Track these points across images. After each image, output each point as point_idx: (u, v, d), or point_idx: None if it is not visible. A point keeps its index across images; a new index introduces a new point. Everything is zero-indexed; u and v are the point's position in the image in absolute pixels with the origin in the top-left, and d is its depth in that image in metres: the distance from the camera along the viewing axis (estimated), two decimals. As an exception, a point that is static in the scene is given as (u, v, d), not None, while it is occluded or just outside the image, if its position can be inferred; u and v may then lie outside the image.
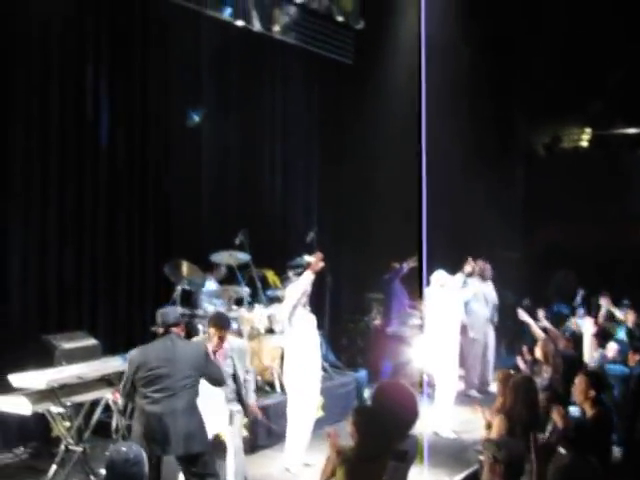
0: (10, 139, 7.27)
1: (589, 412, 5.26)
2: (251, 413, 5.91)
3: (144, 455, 3.67)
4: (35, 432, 6.66)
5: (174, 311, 5.37)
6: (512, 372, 6.19)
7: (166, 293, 8.08)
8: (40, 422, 6.32)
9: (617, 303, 9.75)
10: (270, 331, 8.26)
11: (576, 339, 8.36)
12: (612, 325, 9.17)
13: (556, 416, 4.88)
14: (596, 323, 9.06)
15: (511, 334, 11.20)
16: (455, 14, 10.59)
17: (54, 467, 5.97)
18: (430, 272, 7.99)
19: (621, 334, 8.72)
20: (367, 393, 8.68)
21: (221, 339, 5.59)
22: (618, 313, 9.37)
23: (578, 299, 11.00)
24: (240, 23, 9.37)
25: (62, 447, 5.99)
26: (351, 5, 10.84)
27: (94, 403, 6.22)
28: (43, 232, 7.56)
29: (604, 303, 9.58)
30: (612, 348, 8.06)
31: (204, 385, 5.25)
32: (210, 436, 5.43)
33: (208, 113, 9.27)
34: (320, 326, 8.02)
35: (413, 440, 4.10)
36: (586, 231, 12.58)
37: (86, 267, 7.95)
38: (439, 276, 8.22)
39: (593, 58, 12.01)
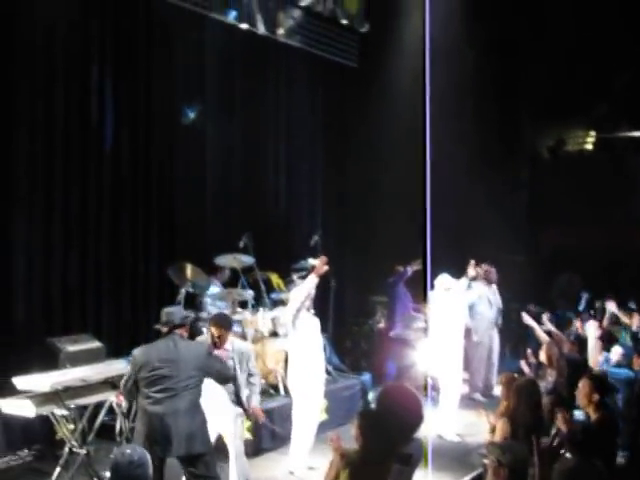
0: (15, 142, 7.29)
1: (593, 416, 5.24)
2: (253, 415, 5.90)
3: (148, 457, 3.67)
4: (39, 434, 6.67)
5: (180, 311, 5.35)
6: (516, 375, 6.18)
7: (170, 296, 8.09)
8: (44, 424, 6.32)
9: (622, 306, 9.72)
10: (274, 334, 8.26)
11: (581, 342, 8.33)
12: (617, 329, 9.14)
13: (560, 421, 4.87)
14: (601, 326, 9.03)
15: (515, 337, 11.18)
16: (460, 17, 10.60)
17: (58, 469, 5.97)
18: (434, 275, 7.98)
19: (626, 338, 8.69)
20: (371, 396, 8.67)
21: (220, 338, 5.60)
22: (623, 317, 9.34)
23: (582, 302, 10.98)
24: (244, 26, 9.38)
25: (66, 449, 5.99)
26: (355, 8, 10.85)
27: (98, 406, 6.22)
28: (47, 235, 7.57)
29: (609, 307, 9.56)
30: (617, 352, 8.04)
31: (207, 387, 5.25)
32: (212, 439, 5.43)
33: (206, 112, 9.28)
34: (324, 329, 8.02)
35: (418, 443, 4.09)
36: (590, 234, 12.56)
37: (90, 270, 7.96)
38: (443, 280, 8.21)
39: (598, 61, 12.00)
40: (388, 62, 11.21)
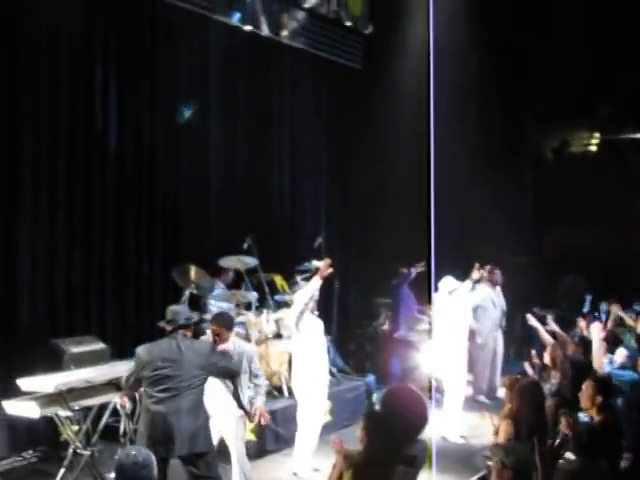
0: (19, 142, 7.29)
1: (596, 418, 5.24)
2: (257, 416, 5.89)
3: (153, 459, 3.67)
4: (44, 436, 6.68)
5: (185, 311, 5.33)
6: (519, 377, 6.17)
7: (174, 297, 8.08)
8: (49, 426, 6.33)
9: (626, 308, 9.71)
10: (278, 336, 8.26)
11: (585, 344, 8.33)
12: (622, 330, 9.13)
13: (564, 425, 4.86)
14: (605, 328, 9.02)
15: (520, 339, 11.17)
16: (463, 18, 10.60)
17: (62, 470, 5.98)
18: (438, 277, 7.97)
19: (630, 340, 8.68)
20: (375, 398, 8.67)
21: (220, 336, 5.61)
22: (628, 319, 9.33)
23: (587, 304, 10.97)
24: (248, 28, 9.39)
25: (70, 451, 6.00)
26: (359, 10, 10.85)
27: (102, 407, 6.22)
28: (52, 236, 7.58)
29: (614, 309, 9.55)
30: (621, 354, 8.04)
31: (208, 389, 5.26)
32: (215, 441, 5.44)
33: (210, 114, 9.28)
34: (328, 331, 8.02)
35: (422, 445, 4.09)
36: (595, 236, 12.54)
37: (95, 271, 7.97)
38: (447, 282, 8.21)
39: (602, 62, 11.99)
40: (392, 64, 11.21)
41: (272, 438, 7.39)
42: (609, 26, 11.64)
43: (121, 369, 6.20)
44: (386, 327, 10.75)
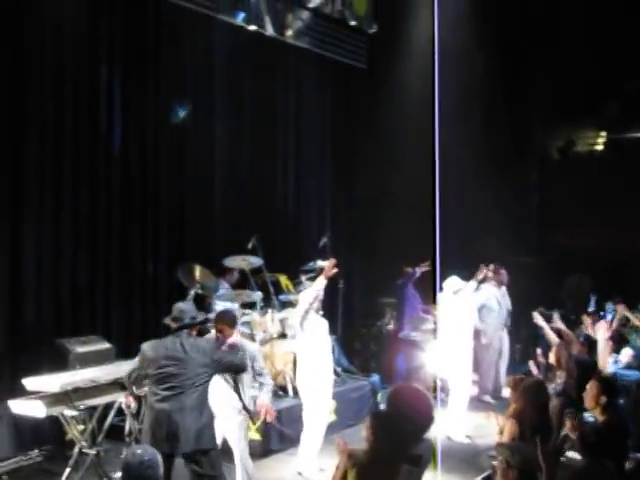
0: (24, 142, 7.31)
1: (600, 418, 5.23)
2: (260, 413, 5.89)
3: (159, 458, 3.68)
4: (49, 435, 6.70)
5: (191, 310, 5.33)
6: (523, 377, 6.16)
7: (179, 297, 8.07)
8: (54, 425, 6.35)
9: (632, 309, 9.69)
10: (283, 335, 8.26)
11: (590, 344, 8.31)
12: (627, 330, 9.12)
13: (569, 428, 4.85)
14: (610, 328, 9.00)
15: (525, 339, 11.16)
16: (468, 18, 10.58)
17: (68, 470, 5.99)
18: (443, 277, 7.97)
19: (636, 340, 8.67)
20: (380, 397, 8.68)
21: (222, 332, 5.63)
22: (634, 319, 9.31)
23: (592, 304, 10.95)
24: (253, 28, 9.39)
25: (76, 450, 6.02)
26: (364, 9, 10.84)
27: (107, 406, 6.24)
28: (57, 236, 7.60)
29: (620, 308, 9.53)
30: (627, 353, 8.03)
31: (211, 389, 5.27)
32: (218, 440, 5.44)
33: (214, 113, 9.28)
34: (333, 331, 8.03)
35: (427, 444, 4.09)
36: (600, 235, 12.51)
37: (100, 271, 7.98)
38: (452, 282, 8.21)
39: (608, 61, 11.96)
40: (396, 63, 11.20)
41: (277, 437, 7.40)
42: (614, 25, 11.62)
43: (126, 369, 6.18)
44: (391, 327, 10.75)
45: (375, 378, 9.20)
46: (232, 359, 5.35)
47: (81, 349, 6.67)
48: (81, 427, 6.05)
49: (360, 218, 11.57)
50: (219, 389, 5.58)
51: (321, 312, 6.93)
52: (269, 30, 9.59)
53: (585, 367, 6.82)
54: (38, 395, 5.72)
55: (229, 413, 5.74)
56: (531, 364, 7.37)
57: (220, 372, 5.34)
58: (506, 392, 8.44)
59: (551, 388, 6.16)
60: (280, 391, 7.94)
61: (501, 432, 5.42)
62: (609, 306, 10.49)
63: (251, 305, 8.47)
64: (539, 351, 7.63)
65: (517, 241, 12.32)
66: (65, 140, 7.64)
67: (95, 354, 6.69)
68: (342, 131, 11.36)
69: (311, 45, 10.33)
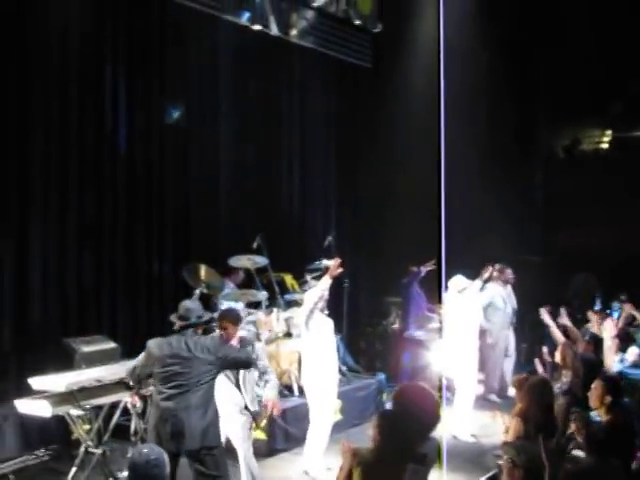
0: (30, 142, 7.33)
1: (604, 418, 5.22)
2: (265, 407, 5.91)
3: (165, 457, 3.69)
4: (55, 434, 6.71)
5: (198, 309, 5.33)
6: (527, 376, 6.14)
7: (185, 297, 8.07)
8: (61, 424, 6.36)
9: (638, 307, 9.67)
10: (288, 335, 8.27)
11: (596, 342, 8.29)
12: (633, 329, 9.10)
13: (574, 429, 4.84)
14: (617, 326, 8.99)
15: (531, 338, 11.13)
16: (473, 17, 10.57)
17: (74, 469, 6.01)
18: (449, 276, 7.96)
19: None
20: (385, 397, 8.68)
21: (226, 331, 5.65)
22: (639, 317, 9.29)
23: (598, 302, 10.92)
24: (257, 27, 9.39)
25: (82, 449, 6.03)
26: (368, 8, 10.84)
27: (113, 406, 6.25)
28: (62, 236, 7.62)
29: (626, 307, 9.52)
30: (633, 352, 8.01)
31: (217, 388, 5.28)
32: (222, 439, 5.45)
33: (219, 113, 9.29)
34: (338, 330, 8.02)
35: (434, 443, 4.09)
36: (606, 234, 12.48)
37: (105, 271, 8.00)
38: (457, 281, 8.20)
39: (613, 60, 11.93)
40: (401, 62, 11.20)
41: (282, 437, 7.41)
42: (620, 24, 11.58)
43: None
44: (396, 326, 10.74)
45: (381, 377, 9.20)
46: (238, 355, 5.36)
47: (87, 349, 6.68)
48: (87, 426, 6.06)
49: (365, 217, 11.57)
50: (222, 389, 5.59)
51: (326, 311, 6.93)
52: (274, 30, 9.59)
53: (591, 366, 6.81)
54: (44, 395, 5.73)
55: (232, 413, 5.74)
56: (537, 362, 7.35)
57: (226, 369, 5.35)
58: (512, 391, 8.44)
59: (557, 387, 6.15)
60: (285, 390, 7.94)
61: (507, 431, 5.41)
62: (615, 305, 10.47)
63: (256, 304, 8.48)
64: (545, 350, 7.62)
65: (522, 240, 12.31)
66: (70, 140, 7.66)
67: (101, 354, 6.70)
68: (347, 131, 11.36)
69: (316, 45, 10.33)
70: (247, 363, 5.47)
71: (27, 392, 5.85)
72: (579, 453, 4.89)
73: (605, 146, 14.06)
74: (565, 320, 7.74)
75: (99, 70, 7.93)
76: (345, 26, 10.65)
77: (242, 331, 6.82)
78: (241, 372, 5.74)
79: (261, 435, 7.07)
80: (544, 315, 7.74)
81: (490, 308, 9.69)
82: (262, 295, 8.38)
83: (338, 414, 7.60)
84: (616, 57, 11.90)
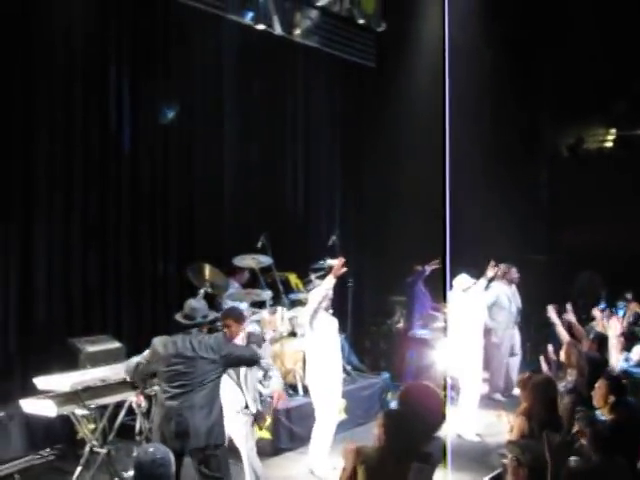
0: (34, 143, 7.34)
1: (608, 417, 5.22)
2: (272, 395, 5.93)
3: (171, 456, 3.69)
4: (61, 434, 6.72)
5: (203, 309, 5.34)
6: (531, 375, 6.13)
7: (189, 296, 8.07)
8: (66, 424, 6.36)
9: (641, 306, 9.66)
10: (292, 334, 8.27)
11: (601, 341, 8.27)
12: (639, 328, 9.07)
13: (579, 429, 4.84)
14: (622, 325, 8.96)
15: (536, 336, 11.12)
16: (478, 15, 10.55)
17: (79, 468, 6.02)
18: (453, 275, 7.95)
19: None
20: (390, 396, 8.67)
21: (229, 329, 5.66)
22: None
23: (603, 301, 10.90)
24: (261, 27, 9.39)
25: (87, 449, 6.03)
26: (372, 7, 10.83)
27: (118, 406, 6.25)
28: (67, 236, 7.63)
29: (632, 306, 9.49)
30: (638, 351, 7.98)
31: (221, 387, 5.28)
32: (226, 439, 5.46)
33: (224, 112, 9.28)
34: (343, 329, 8.02)
35: (439, 442, 4.09)
36: (611, 233, 12.45)
37: (110, 271, 8.01)
38: (462, 280, 8.19)
39: (618, 58, 11.90)
40: (405, 61, 11.18)
41: (287, 436, 7.41)
42: (624, 22, 11.56)
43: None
44: (401, 325, 10.74)
45: (385, 376, 9.20)
46: (241, 353, 5.37)
47: (92, 348, 6.70)
48: (92, 426, 6.07)
49: (369, 216, 11.56)
50: (224, 390, 5.59)
51: (331, 311, 6.94)
52: (277, 29, 9.59)
53: (596, 365, 6.79)
54: (49, 394, 5.74)
55: (233, 412, 5.74)
56: (542, 360, 7.34)
57: (230, 367, 5.36)
58: (517, 390, 8.44)
59: (562, 386, 6.13)
60: (290, 390, 7.94)
61: (511, 430, 5.41)
62: (620, 303, 10.44)
63: (261, 304, 8.48)
64: (550, 348, 7.60)
65: (527, 239, 12.29)
66: (75, 140, 7.67)
67: (105, 353, 6.72)
68: (351, 130, 11.36)
69: (320, 44, 10.33)
70: (251, 361, 5.47)
71: (32, 392, 5.86)
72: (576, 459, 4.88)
73: (609, 145, 14.03)
74: (571, 316, 7.71)
75: (103, 70, 7.95)
76: (349, 25, 10.65)
77: (250, 326, 6.86)
78: (242, 371, 5.75)
79: (266, 434, 7.07)
80: (551, 313, 7.72)
81: (495, 307, 9.67)
82: (266, 294, 8.38)
83: (343, 413, 7.60)
84: (620, 55, 11.87)
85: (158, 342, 5.12)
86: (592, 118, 13.76)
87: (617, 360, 8.20)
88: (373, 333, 11.00)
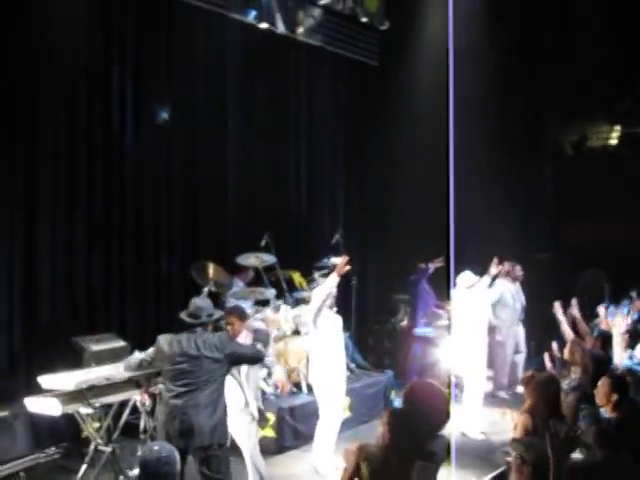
0: (37, 143, 7.35)
1: (610, 415, 5.21)
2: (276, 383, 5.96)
3: (176, 454, 3.71)
4: (66, 432, 6.74)
5: (208, 308, 5.36)
6: (534, 373, 6.13)
7: (193, 295, 8.09)
8: (70, 423, 6.38)
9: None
10: (296, 332, 8.28)
11: (604, 339, 8.26)
12: (642, 326, 9.05)
13: (582, 426, 4.84)
14: (626, 323, 8.94)
15: (541, 334, 11.11)
16: (481, 13, 10.54)
17: (84, 467, 6.03)
18: (457, 273, 7.95)
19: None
20: (394, 394, 8.68)
21: (231, 327, 5.70)
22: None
23: (607, 298, 10.89)
24: (264, 25, 9.39)
25: (92, 447, 6.05)
26: (375, 6, 10.82)
27: (122, 404, 6.27)
28: (71, 235, 7.65)
29: (636, 304, 9.48)
30: (642, 349, 7.96)
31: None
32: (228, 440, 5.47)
33: (227, 112, 9.29)
34: (347, 327, 8.03)
35: (443, 441, 4.09)
36: (615, 230, 12.43)
37: (114, 270, 8.03)
38: (465, 277, 8.19)
39: (622, 56, 11.88)
40: (408, 60, 11.18)
41: (291, 434, 7.42)
42: (628, 20, 11.54)
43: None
44: (405, 323, 10.74)
45: (389, 374, 9.20)
46: (244, 351, 5.38)
47: (96, 347, 6.71)
48: (97, 425, 6.08)
49: (373, 214, 11.56)
50: (228, 388, 5.60)
51: (335, 309, 6.94)
52: (280, 28, 9.59)
53: (600, 362, 6.79)
54: (53, 393, 5.75)
55: (234, 410, 5.74)
56: (546, 357, 7.33)
57: (234, 365, 5.37)
58: (521, 388, 8.43)
59: (566, 384, 6.13)
60: (294, 388, 7.95)
61: (515, 428, 5.41)
62: (625, 301, 10.42)
63: (264, 302, 8.49)
64: (554, 345, 7.59)
65: (531, 236, 12.26)
66: (78, 140, 7.69)
67: (110, 352, 6.72)
68: (354, 128, 11.35)
69: (322, 42, 10.32)
70: (254, 359, 5.48)
71: (37, 391, 5.87)
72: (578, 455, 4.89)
73: (613, 142, 14.00)
74: (575, 311, 7.70)
75: (106, 70, 7.95)
76: (352, 24, 10.64)
77: (256, 323, 6.88)
78: (243, 369, 5.76)
79: (270, 432, 7.08)
80: (557, 309, 7.71)
81: (499, 305, 9.67)
82: (270, 293, 8.39)
83: (347, 411, 7.61)
84: (625, 52, 11.85)
85: (163, 340, 5.13)
86: (596, 115, 13.74)
87: (621, 358, 8.18)
88: (377, 331, 11.00)
